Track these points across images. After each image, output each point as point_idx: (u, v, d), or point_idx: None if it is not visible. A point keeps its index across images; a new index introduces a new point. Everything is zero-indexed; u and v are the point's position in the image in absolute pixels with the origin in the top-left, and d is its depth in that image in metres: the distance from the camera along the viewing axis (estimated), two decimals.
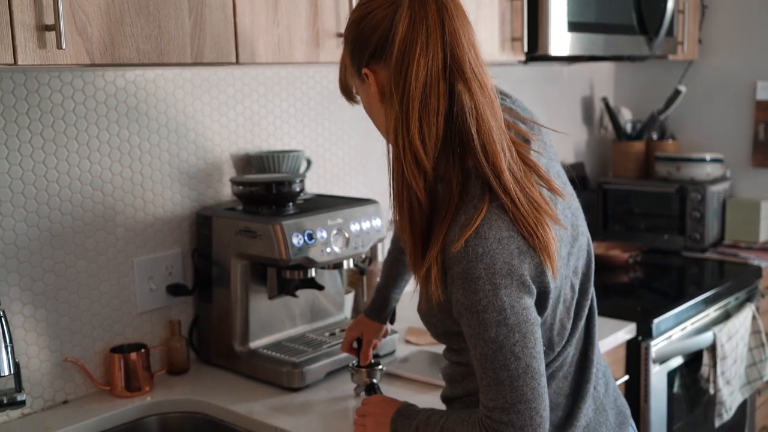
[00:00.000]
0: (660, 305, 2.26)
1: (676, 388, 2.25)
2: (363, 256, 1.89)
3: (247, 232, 1.72)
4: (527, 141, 1.20)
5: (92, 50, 1.29)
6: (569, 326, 1.21)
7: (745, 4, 3.02)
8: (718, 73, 3.10)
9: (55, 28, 1.22)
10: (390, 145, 1.14)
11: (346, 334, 1.70)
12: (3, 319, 1.31)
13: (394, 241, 1.64)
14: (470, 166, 1.13)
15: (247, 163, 2.00)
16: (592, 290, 1.27)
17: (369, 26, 1.14)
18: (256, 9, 1.54)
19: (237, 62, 1.53)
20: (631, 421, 1.37)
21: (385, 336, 1.70)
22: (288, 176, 1.81)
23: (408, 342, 1.99)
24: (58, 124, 1.65)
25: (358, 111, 1.34)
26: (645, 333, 2.13)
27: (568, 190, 1.26)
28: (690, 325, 2.29)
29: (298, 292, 1.85)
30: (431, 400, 1.42)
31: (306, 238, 1.68)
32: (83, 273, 1.71)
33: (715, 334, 2.29)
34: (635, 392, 2.15)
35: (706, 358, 2.29)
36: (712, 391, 2.31)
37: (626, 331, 2.09)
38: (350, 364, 1.67)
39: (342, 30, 1.67)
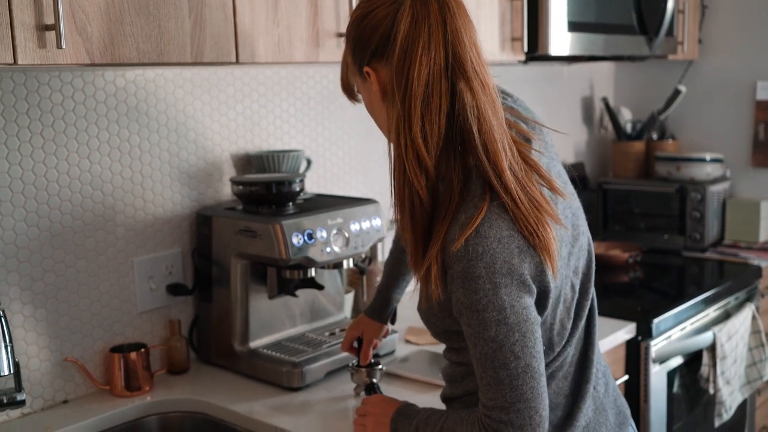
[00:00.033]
0: (660, 305, 2.26)
1: (675, 388, 2.25)
2: (363, 255, 1.88)
3: (247, 232, 1.72)
4: (528, 140, 1.19)
5: (92, 50, 1.29)
6: (569, 326, 1.21)
7: (745, 4, 3.02)
8: (718, 73, 3.10)
9: (55, 27, 1.22)
10: (392, 144, 1.14)
11: (346, 333, 1.69)
12: (3, 319, 1.31)
13: (396, 241, 1.64)
14: (471, 165, 1.13)
15: (247, 162, 2.00)
16: (592, 290, 1.27)
17: (371, 25, 1.14)
18: (256, 9, 1.54)
19: (237, 62, 1.53)
20: (631, 421, 1.37)
21: (385, 336, 1.70)
22: (288, 176, 1.81)
23: (408, 342, 1.99)
24: (58, 123, 1.65)
25: (358, 111, 1.34)
26: (645, 333, 2.12)
27: (569, 189, 1.26)
28: (690, 325, 2.29)
29: (298, 292, 1.85)
30: (431, 400, 1.41)
31: (306, 237, 1.68)
32: (83, 273, 1.71)
33: (714, 334, 2.29)
34: (635, 392, 2.15)
35: (705, 358, 2.29)
36: (711, 390, 2.31)
37: (626, 331, 2.09)
38: (350, 364, 1.67)
39: (342, 30, 1.67)
